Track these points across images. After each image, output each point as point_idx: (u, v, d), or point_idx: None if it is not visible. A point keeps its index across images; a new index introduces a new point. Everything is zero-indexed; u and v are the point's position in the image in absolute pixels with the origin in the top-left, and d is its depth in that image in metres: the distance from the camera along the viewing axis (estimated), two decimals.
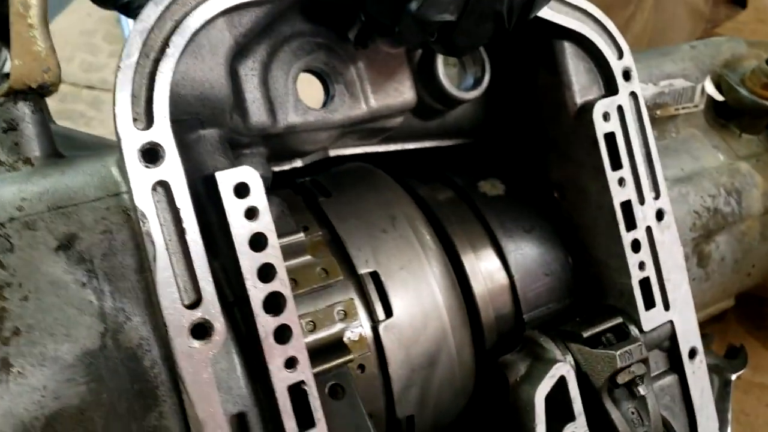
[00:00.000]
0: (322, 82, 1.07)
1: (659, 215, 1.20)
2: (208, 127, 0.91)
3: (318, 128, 1.05)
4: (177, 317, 0.81)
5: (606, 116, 1.16)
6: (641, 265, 1.17)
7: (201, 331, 0.83)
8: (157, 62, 0.84)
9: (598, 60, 1.18)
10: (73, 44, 3.07)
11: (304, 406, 0.88)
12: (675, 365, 1.24)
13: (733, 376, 1.60)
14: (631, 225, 1.17)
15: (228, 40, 0.91)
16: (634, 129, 1.19)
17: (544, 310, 1.22)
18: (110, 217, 0.83)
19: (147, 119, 0.82)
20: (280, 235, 1.02)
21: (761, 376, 1.99)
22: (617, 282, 1.19)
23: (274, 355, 0.86)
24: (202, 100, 0.89)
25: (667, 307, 1.19)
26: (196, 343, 0.82)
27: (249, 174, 0.87)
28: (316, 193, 1.15)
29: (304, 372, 0.88)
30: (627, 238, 1.16)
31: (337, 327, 1.02)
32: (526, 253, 1.22)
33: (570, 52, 1.18)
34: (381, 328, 1.05)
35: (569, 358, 1.12)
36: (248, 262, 0.86)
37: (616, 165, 1.16)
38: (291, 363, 0.87)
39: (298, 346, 0.88)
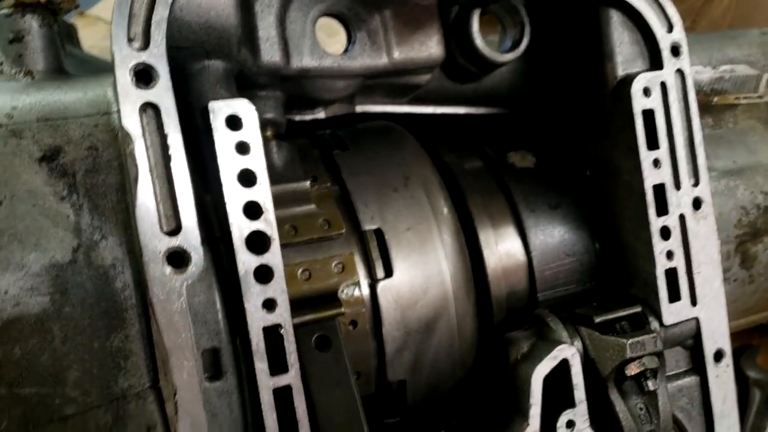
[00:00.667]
0: (344, 28, 1.04)
1: (696, 203, 1.12)
2: (214, 58, 0.90)
3: (335, 75, 1.02)
4: (153, 242, 0.80)
5: (646, 91, 1.08)
6: (669, 254, 1.09)
7: (177, 259, 0.81)
8: None
9: (644, 32, 1.11)
10: None
11: (280, 350, 0.86)
12: (698, 366, 1.15)
13: None
14: (662, 210, 1.09)
15: None
16: (678, 109, 1.11)
17: (561, 291, 1.16)
18: (98, 135, 0.82)
19: (144, 40, 0.81)
20: (285, 181, 1.00)
21: None
22: (642, 270, 1.11)
23: (252, 294, 0.84)
24: (207, 28, 0.87)
25: (694, 302, 1.11)
26: (170, 270, 0.81)
27: (244, 107, 0.85)
28: (332, 145, 1.12)
29: (282, 315, 0.86)
30: (656, 223, 1.08)
31: (333, 280, 0.99)
32: (548, 230, 1.16)
33: (615, 20, 1.10)
34: (379, 286, 1.02)
35: (577, 342, 1.05)
36: (234, 197, 0.84)
37: (653, 144, 1.08)
38: (269, 305, 0.85)
39: (278, 289, 0.86)
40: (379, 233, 1.04)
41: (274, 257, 0.85)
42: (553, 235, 1.16)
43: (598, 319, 1.05)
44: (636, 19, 1.10)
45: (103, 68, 0.99)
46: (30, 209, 0.78)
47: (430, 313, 1.04)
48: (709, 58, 1.32)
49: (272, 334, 0.85)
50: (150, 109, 0.80)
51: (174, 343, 0.81)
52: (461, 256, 1.08)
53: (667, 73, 1.10)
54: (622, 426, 1.04)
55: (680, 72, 1.11)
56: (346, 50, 1.03)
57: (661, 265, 1.09)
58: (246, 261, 0.84)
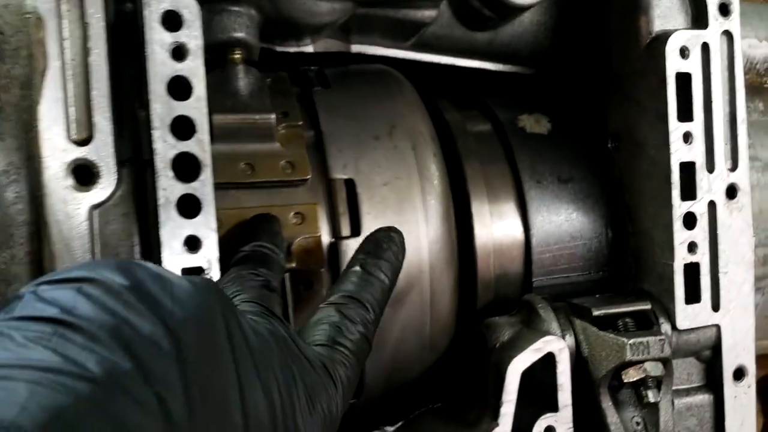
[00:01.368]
0: None
1: (731, 192, 0.95)
2: None
3: None
4: (57, 150, 0.67)
5: (684, 52, 0.91)
6: (691, 247, 0.92)
7: (84, 174, 0.68)
8: None
9: None
10: None
11: None
12: (713, 383, 0.98)
13: None
14: (689, 194, 0.92)
15: None
16: (720, 78, 0.94)
17: (561, 279, 1.00)
18: (6, 16, 0.69)
19: None
20: (247, 111, 0.87)
21: None
22: (659, 262, 0.94)
23: (173, 228, 0.71)
24: None
25: (716, 307, 0.94)
26: (72, 184, 0.68)
27: (187, 4, 0.71)
28: (315, 82, 0.98)
29: (208, 258, 0.72)
30: (680, 208, 0.92)
31: (288, 231, 0.85)
32: (554, 206, 1.00)
33: None
34: (342, 245, 0.87)
35: (569, 336, 0.90)
36: (161, 108, 0.70)
37: (686, 116, 0.92)
38: (193, 243, 0.72)
39: (205, 226, 0.72)
40: (350, 184, 0.89)
41: (203, 187, 0.72)
42: (558, 213, 1.00)
43: (596, 312, 0.89)
44: None
45: None
46: None
47: (400, 283, 0.88)
48: (766, 32, 1.14)
49: None
50: None
51: None
52: (445, 225, 0.93)
53: (711, 34, 0.93)
54: None
55: (728, 34, 0.94)
56: None
57: (681, 258, 0.92)
58: (168, 187, 0.70)
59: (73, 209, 0.68)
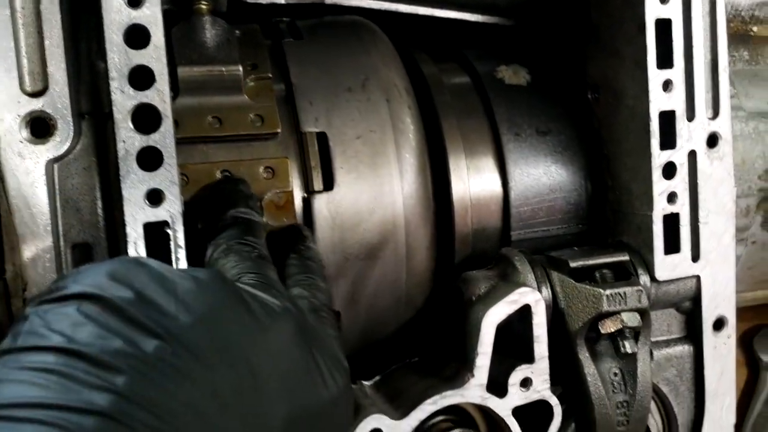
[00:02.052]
0: None
1: (712, 140, 0.93)
2: None
3: None
4: (10, 102, 0.65)
5: None
6: (671, 197, 0.91)
7: (40, 126, 0.67)
8: None
9: None
10: None
11: (167, 256, 0.71)
12: (693, 334, 0.97)
13: None
14: (668, 143, 0.90)
15: None
16: (701, 25, 0.91)
17: (540, 232, 0.98)
18: None
19: None
20: (213, 63, 0.85)
21: None
22: (638, 213, 0.93)
23: (133, 182, 0.69)
24: None
25: (696, 257, 0.93)
26: (27, 136, 0.66)
27: None
28: (286, 34, 0.96)
29: (170, 211, 0.71)
30: (659, 158, 0.90)
31: (259, 186, 0.84)
32: (532, 159, 0.98)
33: None
34: (315, 200, 0.86)
35: (546, 288, 0.89)
36: (119, 58, 0.68)
37: (665, 62, 0.90)
38: (155, 197, 0.70)
39: (167, 179, 0.70)
40: (322, 137, 0.88)
41: (164, 139, 0.70)
42: (537, 166, 0.98)
43: (573, 264, 0.88)
44: None
45: None
46: None
47: (375, 238, 0.88)
48: None
49: (157, 233, 0.70)
50: None
51: (29, 229, 0.66)
52: (421, 178, 0.92)
53: None
54: (588, 392, 0.87)
55: None
56: None
57: (660, 208, 0.91)
58: (128, 139, 0.68)
59: (31, 163, 0.66)
